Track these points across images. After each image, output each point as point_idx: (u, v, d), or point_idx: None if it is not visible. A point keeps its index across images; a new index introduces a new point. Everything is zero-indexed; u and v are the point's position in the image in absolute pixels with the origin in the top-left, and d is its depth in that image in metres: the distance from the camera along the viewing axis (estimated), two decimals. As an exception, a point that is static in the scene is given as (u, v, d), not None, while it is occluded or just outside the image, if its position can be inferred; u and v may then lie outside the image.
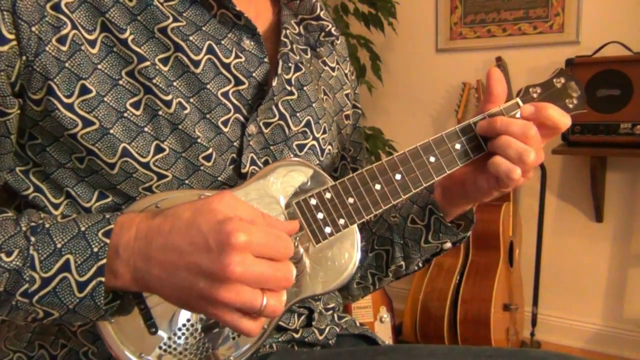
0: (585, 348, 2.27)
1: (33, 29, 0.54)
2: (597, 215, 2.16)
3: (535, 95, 0.73)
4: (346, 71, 0.86)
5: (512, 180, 0.66)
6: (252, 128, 0.66)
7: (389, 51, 2.51)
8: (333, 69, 0.83)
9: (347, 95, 0.85)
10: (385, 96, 2.55)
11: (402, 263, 0.82)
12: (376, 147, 2.28)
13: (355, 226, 0.66)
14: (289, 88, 0.70)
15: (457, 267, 2.11)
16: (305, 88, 0.73)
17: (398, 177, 0.66)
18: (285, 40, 0.71)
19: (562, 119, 0.68)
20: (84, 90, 0.56)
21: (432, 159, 0.67)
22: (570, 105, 0.75)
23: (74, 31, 0.56)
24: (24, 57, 0.54)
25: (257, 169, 0.67)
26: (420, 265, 0.84)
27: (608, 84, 1.88)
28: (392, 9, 2.29)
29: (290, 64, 0.71)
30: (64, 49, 0.55)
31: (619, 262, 2.19)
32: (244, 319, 0.50)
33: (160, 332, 0.57)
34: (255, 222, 0.52)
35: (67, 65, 0.55)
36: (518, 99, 0.71)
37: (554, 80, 0.75)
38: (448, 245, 0.80)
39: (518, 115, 0.70)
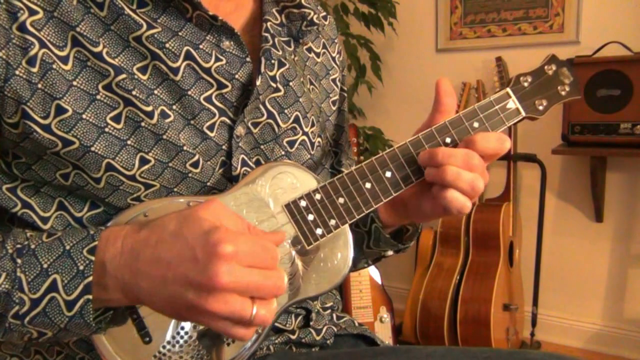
0: (585, 348, 2.27)
1: (0, 54, 0.52)
2: (597, 215, 2.15)
3: (526, 84, 0.70)
4: (334, 54, 0.83)
5: (464, 213, 0.64)
6: (240, 129, 0.65)
7: (389, 51, 2.51)
8: (318, 55, 0.80)
9: (334, 80, 0.82)
10: (385, 96, 2.55)
11: None
12: (376, 147, 2.27)
13: (347, 226, 0.65)
14: (274, 85, 0.69)
15: (457, 267, 2.11)
16: (291, 83, 0.72)
17: (388, 174, 0.65)
18: (266, 35, 0.69)
19: (500, 146, 0.64)
20: (60, 110, 0.55)
21: None
22: (563, 93, 0.73)
23: (43, 50, 0.54)
24: None
25: (248, 169, 0.66)
26: (370, 262, 0.84)
27: (608, 84, 1.87)
28: (392, 9, 2.29)
29: (273, 61, 0.69)
30: (34, 70, 0.54)
31: (619, 262, 2.18)
32: (235, 326, 0.50)
33: (154, 341, 0.57)
34: (241, 232, 0.51)
35: (39, 86, 0.54)
36: (508, 89, 0.69)
37: (545, 67, 0.72)
38: (389, 253, 0.80)
39: (510, 104, 0.69)
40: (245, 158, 0.66)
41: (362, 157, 2.22)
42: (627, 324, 2.20)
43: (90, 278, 0.52)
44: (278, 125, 0.69)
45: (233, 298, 0.48)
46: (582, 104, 1.90)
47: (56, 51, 0.55)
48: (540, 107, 0.71)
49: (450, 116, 0.67)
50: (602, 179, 2.11)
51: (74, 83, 0.56)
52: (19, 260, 0.53)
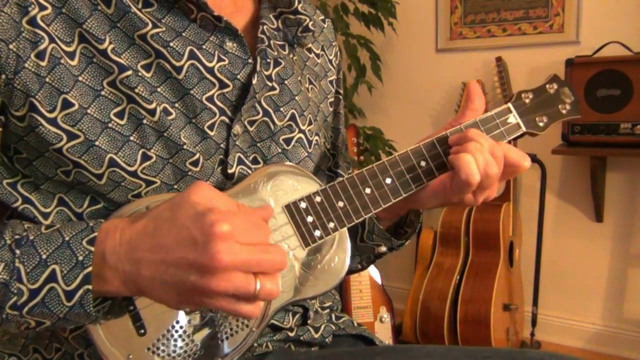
0: (585, 348, 2.27)
1: (10, 46, 0.53)
2: (597, 215, 2.15)
3: (527, 101, 0.72)
4: (331, 57, 0.85)
5: (469, 185, 0.64)
6: (237, 128, 0.66)
7: (389, 51, 2.51)
8: (318, 56, 0.82)
9: (331, 82, 0.84)
10: (385, 96, 2.55)
11: None
12: (376, 147, 2.28)
13: (345, 230, 0.66)
14: (269, 84, 0.70)
15: (457, 267, 2.11)
16: (286, 82, 0.73)
17: (388, 181, 0.66)
18: (262, 36, 0.70)
19: (522, 161, 0.66)
20: (67, 104, 0.56)
21: (422, 163, 0.67)
22: (564, 111, 0.75)
23: (52, 45, 0.55)
24: (3, 76, 0.53)
25: (244, 167, 0.67)
26: (364, 264, 0.84)
27: (608, 84, 1.88)
28: (392, 9, 2.29)
29: (269, 60, 0.70)
30: (43, 64, 0.55)
31: (619, 262, 2.18)
32: (241, 303, 0.50)
33: (149, 334, 0.58)
34: (233, 211, 0.52)
35: (47, 80, 0.55)
36: (510, 104, 0.71)
37: (547, 86, 0.75)
38: (383, 249, 0.80)
39: (511, 119, 0.70)
40: (242, 156, 0.67)
41: (362, 157, 2.22)
42: (627, 324, 2.20)
43: (90, 268, 0.53)
44: (274, 123, 0.70)
45: (236, 275, 0.49)
46: (582, 104, 1.90)
47: (64, 47, 0.56)
48: (541, 124, 0.73)
49: (478, 115, 0.69)
50: (602, 179, 2.12)
51: (80, 78, 0.57)
52: (17, 251, 0.53)
